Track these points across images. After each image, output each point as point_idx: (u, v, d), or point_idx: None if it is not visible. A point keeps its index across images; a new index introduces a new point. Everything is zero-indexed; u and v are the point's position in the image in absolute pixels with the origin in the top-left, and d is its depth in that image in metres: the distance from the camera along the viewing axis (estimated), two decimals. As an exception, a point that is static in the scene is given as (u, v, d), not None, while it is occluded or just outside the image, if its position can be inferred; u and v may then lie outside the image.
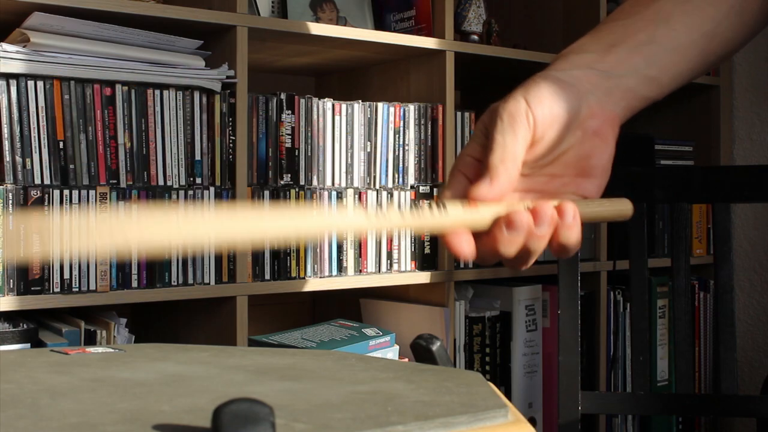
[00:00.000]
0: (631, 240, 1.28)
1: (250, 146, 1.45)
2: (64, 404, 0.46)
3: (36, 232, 0.48)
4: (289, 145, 1.50)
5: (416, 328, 1.64)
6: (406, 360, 1.27)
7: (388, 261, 1.60)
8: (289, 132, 1.50)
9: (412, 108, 1.63)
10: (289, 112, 1.50)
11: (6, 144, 1.24)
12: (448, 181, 0.66)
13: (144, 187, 1.34)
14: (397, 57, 1.72)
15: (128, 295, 1.32)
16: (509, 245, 0.61)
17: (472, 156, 0.65)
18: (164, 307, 1.46)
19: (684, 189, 1.26)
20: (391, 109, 1.61)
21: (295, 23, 1.52)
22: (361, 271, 1.57)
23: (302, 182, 1.51)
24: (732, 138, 2.17)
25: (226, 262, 1.41)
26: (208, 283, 1.40)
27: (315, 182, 1.53)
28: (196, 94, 1.39)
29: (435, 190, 1.65)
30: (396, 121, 1.62)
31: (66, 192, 1.28)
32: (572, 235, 0.62)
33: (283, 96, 1.49)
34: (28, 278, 1.24)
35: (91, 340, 1.31)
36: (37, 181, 1.26)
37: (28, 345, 1.25)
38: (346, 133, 1.56)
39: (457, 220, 0.60)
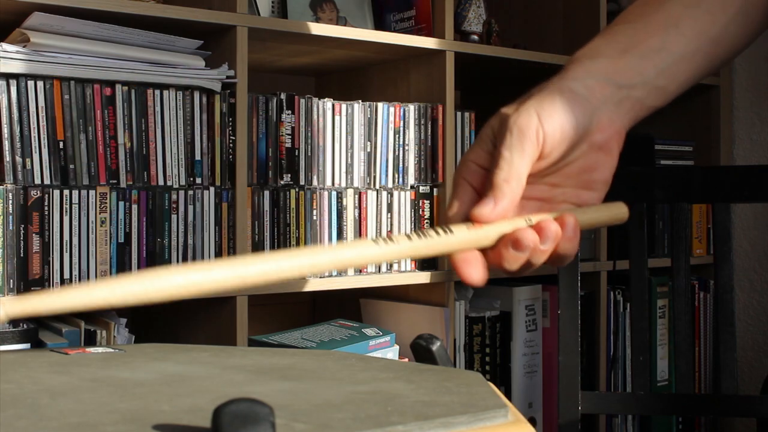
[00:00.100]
0: (631, 240, 1.28)
1: (250, 146, 1.45)
2: (64, 404, 0.46)
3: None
4: (289, 145, 1.50)
5: (416, 328, 1.64)
6: (406, 360, 1.27)
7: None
8: (289, 132, 1.50)
9: (412, 108, 1.63)
10: (289, 112, 1.50)
11: (6, 144, 1.24)
12: (453, 190, 0.66)
13: (144, 187, 1.34)
14: (397, 57, 1.72)
15: (128, 295, 1.32)
16: (514, 262, 0.62)
17: (477, 163, 0.65)
18: (164, 307, 1.46)
19: (684, 189, 1.26)
20: (391, 109, 1.61)
21: (295, 23, 1.52)
22: (361, 271, 1.57)
23: (302, 182, 1.51)
24: (732, 138, 2.17)
25: (226, 262, 1.41)
26: (208, 283, 1.39)
27: (315, 182, 1.53)
28: (196, 94, 1.39)
29: (435, 190, 1.65)
30: (396, 121, 1.62)
31: (66, 192, 1.28)
32: (572, 246, 0.63)
33: (283, 96, 1.49)
34: (28, 278, 1.24)
35: (91, 340, 1.31)
36: (37, 181, 1.26)
37: (28, 345, 1.25)
38: (346, 133, 1.56)
39: (463, 242, 0.61)
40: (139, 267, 1.34)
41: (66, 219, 1.28)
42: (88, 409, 0.45)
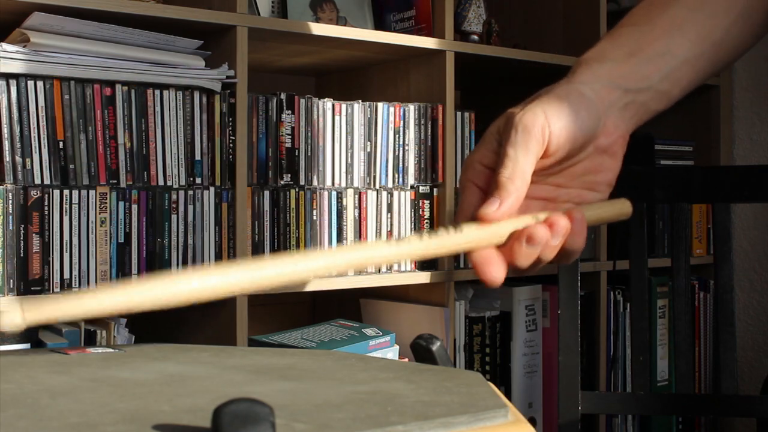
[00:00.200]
0: (631, 240, 1.27)
1: (250, 146, 1.45)
2: (64, 404, 0.46)
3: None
4: (289, 145, 1.50)
5: (416, 328, 1.64)
6: (406, 360, 1.27)
7: (388, 261, 1.60)
8: (289, 132, 1.50)
9: (412, 108, 1.63)
10: (289, 112, 1.50)
11: (6, 144, 1.24)
12: (461, 192, 0.66)
13: (144, 187, 1.34)
14: (397, 57, 1.72)
15: (128, 295, 1.32)
16: (526, 258, 0.62)
17: (482, 163, 0.65)
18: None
19: (684, 189, 1.26)
20: (391, 109, 1.61)
21: (295, 23, 1.52)
22: (361, 271, 1.57)
23: (302, 182, 1.51)
24: (732, 138, 2.17)
25: (226, 262, 1.41)
26: (208, 283, 1.39)
27: (315, 182, 1.53)
28: (196, 94, 1.39)
29: (435, 190, 1.65)
30: (396, 121, 1.62)
31: (66, 192, 1.28)
32: (579, 241, 0.63)
33: (283, 96, 1.49)
34: (28, 278, 1.24)
35: (91, 340, 1.31)
36: (37, 181, 1.26)
37: (28, 345, 1.25)
38: (346, 133, 1.56)
39: (473, 240, 0.61)
40: (139, 267, 1.34)
41: (66, 219, 1.28)
42: (88, 409, 0.45)
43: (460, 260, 1.69)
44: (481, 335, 1.75)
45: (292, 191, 1.50)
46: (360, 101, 1.58)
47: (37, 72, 1.25)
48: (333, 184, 1.55)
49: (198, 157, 1.39)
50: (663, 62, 0.70)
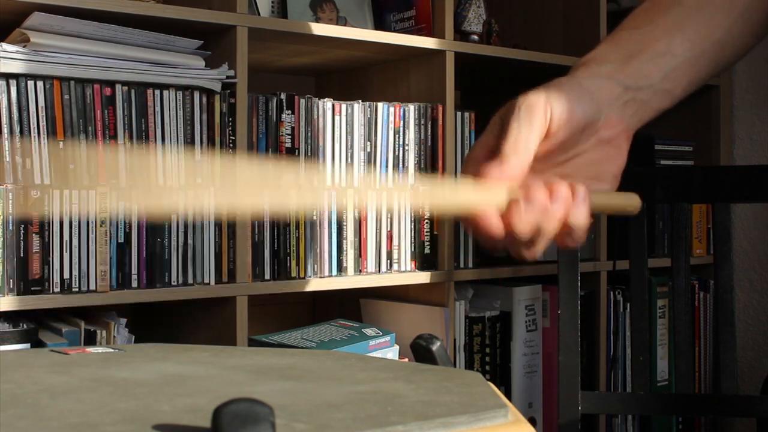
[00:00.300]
0: (631, 240, 1.28)
1: (250, 146, 1.45)
2: (64, 404, 0.46)
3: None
4: (289, 145, 1.50)
5: (416, 328, 1.64)
6: (406, 360, 1.27)
7: (388, 261, 1.60)
8: (289, 132, 1.50)
9: (412, 108, 1.63)
10: (289, 112, 1.50)
11: (6, 144, 1.24)
12: (463, 172, 0.67)
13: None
14: (397, 57, 1.72)
15: (128, 295, 1.32)
16: (525, 222, 0.62)
17: (487, 146, 0.66)
18: (164, 307, 1.46)
19: (684, 189, 1.26)
20: (391, 109, 1.61)
21: (295, 23, 1.52)
22: (361, 271, 1.57)
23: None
24: (732, 138, 2.17)
25: (226, 262, 1.41)
26: (208, 283, 1.40)
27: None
28: (196, 94, 1.39)
29: (435, 190, 1.65)
30: (396, 121, 1.62)
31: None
32: (582, 218, 0.63)
33: (283, 96, 1.49)
34: (28, 278, 1.24)
35: (91, 340, 1.31)
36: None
37: (28, 345, 1.25)
38: (346, 133, 1.56)
39: (471, 192, 0.61)
40: (139, 267, 1.34)
41: (66, 219, 1.28)
42: (88, 409, 0.45)
43: (460, 260, 1.69)
44: (481, 335, 1.75)
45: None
46: (360, 101, 1.58)
47: (37, 72, 1.25)
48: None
49: (198, 157, 1.39)
50: (663, 62, 0.70)
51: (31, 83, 1.26)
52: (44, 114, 1.26)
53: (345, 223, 1.56)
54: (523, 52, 1.78)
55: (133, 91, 1.34)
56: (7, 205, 1.23)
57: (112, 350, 0.66)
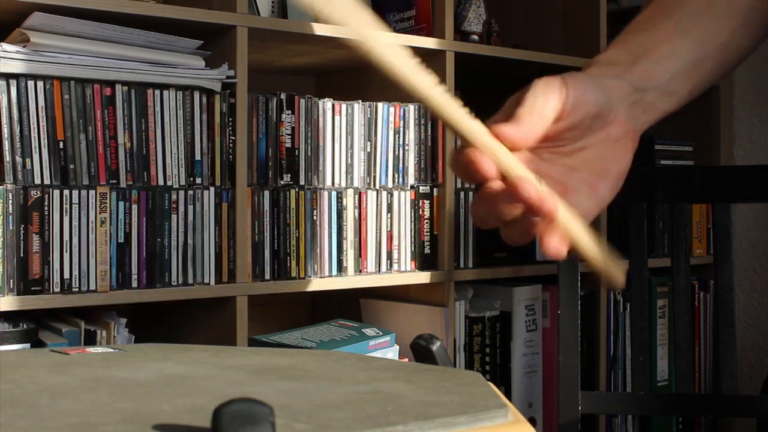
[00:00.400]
0: (631, 240, 1.27)
1: (250, 146, 1.45)
2: (64, 404, 0.46)
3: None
4: (289, 145, 1.50)
5: (416, 328, 1.64)
6: (406, 360, 1.27)
7: (388, 261, 1.60)
8: (289, 132, 1.50)
9: (412, 108, 1.63)
10: (289, 112, 1.50)
11: (6, 144, 1.24)
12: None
13: (144, 187, 1.34)
14: (397, 57, 1.71)
15: (128, 295, 1.32)
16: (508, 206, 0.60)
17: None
18: (164, 307, 1.46)
19: (684, 189, 1.26)
20: (391, 109, 1.61)
21: (295, 23, 1.52)
22: (361, 271, 1.57)
23: (302, 182, 1.51)
24: (732, 138, 2.17)
25: (226, 262, 1.41)
26: (208, 283, 1.40)
27: (315, 182, 1.53)
28: (196, 94, 1.39)
29: (435, 190, 1.65)
30: (396, 121, 1.62)
31: (66, 192, 1.28)
32: (555, 226, 0.61)
33: (283, 96, 1.49)
34: (28, 278, 1.24)
35: (91, 340, 1.31)
36: (37, 181, 1.26)
37: (28, 345, 1.25)
38: (346, 133, 1.56)
39: (477, 131, 0.59)
40: (139, 267, 1.34)
41: (66, 219, 1.28)
42: (88, 409, 0.45)
43: (460, 260, 1.69)
44: (481, 335, 1.75)
45: (292, 191, 1.50)
46: (360, 101, 1.58)
47: (37, 72, 1.25)
48: (333, 184, 1.55)
49: (198, 157, 1.39)
50: (669, 64, 0.71)
51: (31, 83, 1.26)
52: (44, 114, 1.26)
53: (345, 223, 1.56)
54: (523, 52, 1.78)
55: (133, 91, 1.34)
56: (7, 205, 1.23)
57: (112, 350, 0.66)
